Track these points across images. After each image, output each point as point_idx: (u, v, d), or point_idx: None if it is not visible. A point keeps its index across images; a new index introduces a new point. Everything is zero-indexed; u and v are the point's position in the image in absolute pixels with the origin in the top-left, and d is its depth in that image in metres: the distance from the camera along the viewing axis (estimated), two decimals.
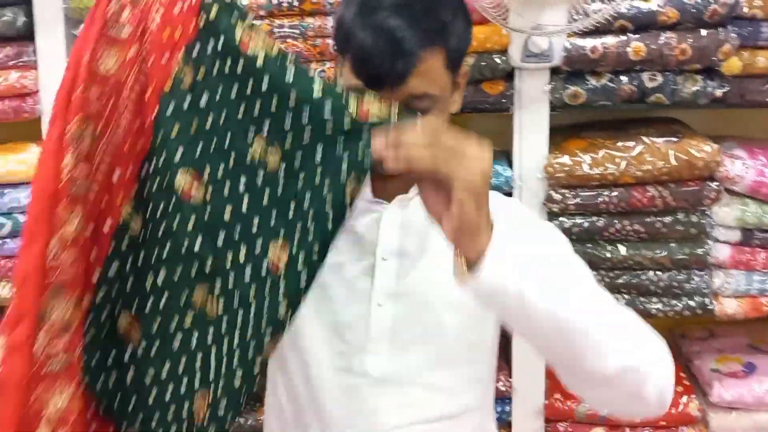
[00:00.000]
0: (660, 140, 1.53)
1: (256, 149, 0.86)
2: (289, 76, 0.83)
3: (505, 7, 1.34)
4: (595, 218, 1.54)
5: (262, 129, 0.85)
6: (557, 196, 1.53)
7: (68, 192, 0.84)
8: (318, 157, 0.84)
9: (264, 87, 0.84)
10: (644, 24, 1.48)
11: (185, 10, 0.85)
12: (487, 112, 1.57)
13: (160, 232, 0.87)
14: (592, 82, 1.52)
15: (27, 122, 1.72)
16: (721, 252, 1.55)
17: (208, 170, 0.86)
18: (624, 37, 1.48)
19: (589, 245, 1.55)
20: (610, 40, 1.48)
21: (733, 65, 1.48)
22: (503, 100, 1.54)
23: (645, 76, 1.51)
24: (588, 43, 1.49)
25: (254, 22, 0.86)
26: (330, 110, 0.82)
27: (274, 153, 0.86)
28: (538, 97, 1.54)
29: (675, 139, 1.52)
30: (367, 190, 1.05)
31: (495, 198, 1.06)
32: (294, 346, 1.06)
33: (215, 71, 0.86)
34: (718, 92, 1.50)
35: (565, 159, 1.52)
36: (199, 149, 0.86)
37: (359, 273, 1.04)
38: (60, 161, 0.84)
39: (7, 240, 1.73)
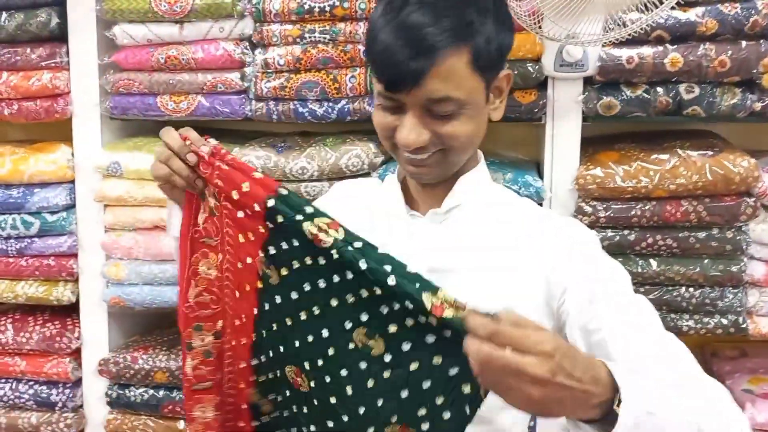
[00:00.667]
0: (695, 153, 1.49)
1: (359, 335, 0.89)
2: (364, 263, 0.85)
3: (541, 15, 1.32)
4: (626, 232, 1.51)
5: (360, 317, 0.88)
6: (588, 209, 1.50)
7: (195, 387, 1.01)
8: (427, 339, 0.83)
9: (348, 276, 0.88)
10: (682, 35, 1.44)
11: (251, 215, 0.93)
12: (519, 122, 1.55)
13: (287, 413, 0.99)
14: (627, 92, 1.49)
15: (58, 122, 1.74)
16: (757, 270, 1.51)
17: (308, 363, 0.93)
18: (661, 48, 1.45)
19: (620, 259, 1.51)
20: (647, 51, 1.45)
21: None
22: (535, 110, 1.52)
23: (682, 87, 1.47)
24: (624, 53, 1.46)
25: (313, 209, 0.91)
26: (410, 302, 0.83)
27: (377, 338, 0.88)
28: (570, 107, 1.51)
29: (711, 153, 1.49)
30: (401, 203, 1.05)
31: (568, 230, 1.02)
32: None
33: (298, 268, 0.92)
34: (758, 106, 1.46)
35: (597, 171, 1.49)
36: (297, 343, 0.93)
37: None
38: (184, 365, 1.02)
39: (35, 239, 1.75)
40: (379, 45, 0.90)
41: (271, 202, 0.91)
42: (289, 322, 0.94)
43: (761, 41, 1.42)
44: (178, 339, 1.81)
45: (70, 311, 1.82)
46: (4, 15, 1.67)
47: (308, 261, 0.91)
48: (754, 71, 1.43)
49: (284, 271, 0.93)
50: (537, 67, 1.49)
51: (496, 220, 1.03)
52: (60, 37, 1.69)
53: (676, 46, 1.45)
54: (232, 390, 1.01)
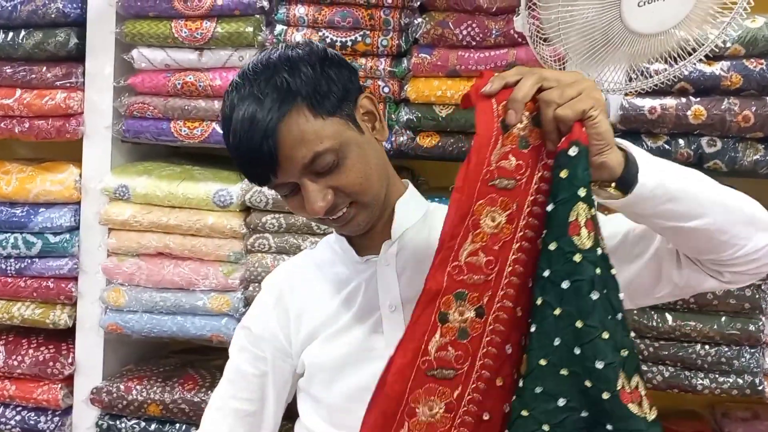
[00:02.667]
0: None
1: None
2: (595, 294, 0.77)
3: (565, 60, 1.30)
4: None
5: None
6: None
7: (430, 372, 0.82)
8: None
9: (563, 285, 0.78)
10: (706, 88, 1.43)
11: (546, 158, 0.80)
12: None
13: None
14: (648, 143, 1.47)
15: (68, 142, 1.72)
16: None
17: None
18: (684, 100, 1.44)
19: (635, 311, 1.48)
20: (670, 102, 1.44)
21: None
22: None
23: (704, 140, 1.45)
24: (646, 103, 1.44)
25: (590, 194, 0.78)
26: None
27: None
28: None
29: None
30: (352, 254, 1.05)
31: None
32: (324, 418, 1.04)
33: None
34: None
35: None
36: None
37: (368, 332, 1.02)
38: (426, 343, 0.81)
39: (36, 260, 1.71)
40: (233, 152, 0.94)
41: (573, 150, 0.77)
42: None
43: None
44: (175, 371, 1.78)
45: (65, 336, 1.77)
46: (23, 33, 1.66)
47: (552, 246, 0.78)
48: None
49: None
50: None
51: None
52: (77, 57, 1.68)
53: (699, 99, 1.43)
54: (482, 386, 0.82)
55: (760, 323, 1.45)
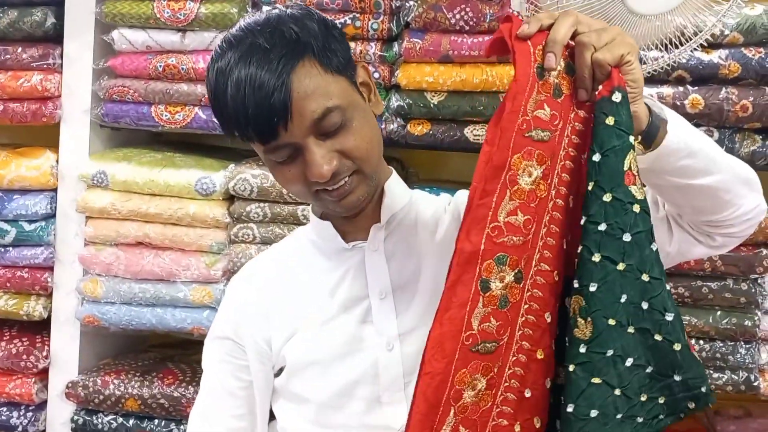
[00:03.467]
0: None
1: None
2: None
3: None
4: None
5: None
6: None
7: (475, 348, 0.76)
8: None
9: (625, 237, 0.75)
10: (703, 76, 1.40)
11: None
12: None
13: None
14: None
15: (44, 126, 1.65)
16: None
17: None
18: (681, 88, 1.41)
19: None
20: (667, 90, 1.41)
21: None
22: None
23: (701, 130, 1.42)
24: (644, 91, 1.40)
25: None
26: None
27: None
28: None
29: None
30: (337, 240, 1.00)
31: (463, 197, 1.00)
32: (308, 419, 0.97)
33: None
34: None
35: None
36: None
37: (357, 322, 0.96)
38: (469, 315, 0.75)
39: (10, 248, 1.65)
40: (232, 109, 0.85)
41: (617, 96, 0.74)
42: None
43: None
44: (154, 365, 1.72)
45: (40, 328, 1.71)
46: None
47: (589, 187, 0.74)
48: None
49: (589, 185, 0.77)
50: None
51: (431, 216, 1.01)
52: (54, 38, 1.62)
53: (697, 88, 1.40)
54: (522, 358, 0.77)
55: (756, 318, 1.43)
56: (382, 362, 0.94)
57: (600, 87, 0.76)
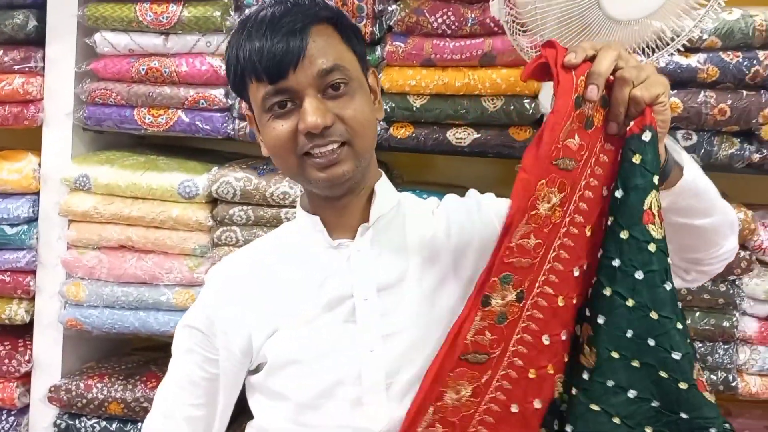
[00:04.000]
0: None
1: None
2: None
3: None
4: None
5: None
6: None
7: (464, 356, 0.79)
8: None
9: (637, 275, 0.76)
10: (682, 80, 1.41)
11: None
12: (512, 158, 1.49)
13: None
14: None
15: (26, 130, 1.65)
16: (749, 326, 1.46)
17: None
18: None
19: None
20: None
21: None
22: None
23: (680, 134, 1.44)
24: None
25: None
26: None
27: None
28: None
29: None
30: (323, 235, 1.00)
31: (475, 198, 1.08)
32: (287, 417, 0.97)
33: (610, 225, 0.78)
34: (756, 157, 1.43)
35: None
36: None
37: (340, 321, 0.96)
38: (464, 326, 0.78)
39: None
40: (249, 49, 0.91)
41: (647, 135, 0.75)
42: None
43: (762, 92, 1.40)
44: (138, 368, 1.71)
45: (22, 332, 1.70)
46: None
47: (609, 222, 0.76)
48: (754, 121, 1.40)
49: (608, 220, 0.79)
50: (534, 104, 1.45)
51: (418, 219, 1.04)
52: (36, 41, 1.61)
53: (675, 91, 1.42)
54: (513, 374, 0.79)
55: (734, 319, 1.45)
56: (364, 363, 0.93)
57: (631, 123, 0.77)
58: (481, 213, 1.04)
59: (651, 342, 0.77)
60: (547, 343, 0.79)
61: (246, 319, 1.00)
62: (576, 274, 0.79)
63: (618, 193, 0.76)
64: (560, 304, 0.79)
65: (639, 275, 0.76)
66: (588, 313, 0.79)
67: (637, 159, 0.76)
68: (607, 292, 0.77)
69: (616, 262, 0.76)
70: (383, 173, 1.06)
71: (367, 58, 1.49)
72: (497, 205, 1.05)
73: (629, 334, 0.77)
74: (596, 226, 0.79)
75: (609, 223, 0.77)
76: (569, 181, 0.77)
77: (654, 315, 0.77)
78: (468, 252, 1.00)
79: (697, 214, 0.88)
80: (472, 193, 1.11)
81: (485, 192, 1.11)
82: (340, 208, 1.00)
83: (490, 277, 0.78)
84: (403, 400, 0.92)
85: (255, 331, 0.99)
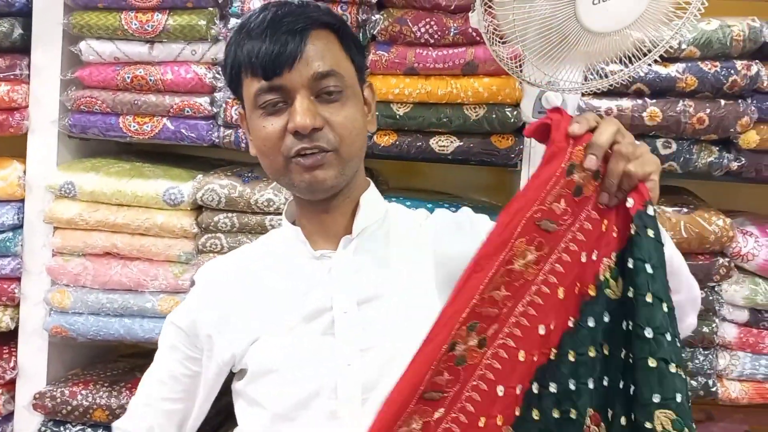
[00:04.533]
0: (670, 210, 1.47)
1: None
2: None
3: (522, 59, 1.29)
4: None
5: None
6: None
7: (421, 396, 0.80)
8: None
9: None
10: (662, 89, 1.44)
11: (621, 209, 0.80)
12: (494, 165, 1.51)
13: None
14: None
15: (11, 137, 1.65)
16: (728, 332, 1.48)
17: (612, 412, 0.80)
18: (640, 101, 1.44)
19: None
20: (626, 103, 1.44)
21: (750, 138, 1.43)
22: (512, 155, 1.48)
23: (659, 142, 1.46)
24: (603, 103, 1.44)
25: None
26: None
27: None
28: None
29: (686, 210, 1.46)
30: (305, 246, 1.01)
31: (467, 215, 1.09)
32: (264, 426, 0.98)
33: (635, 295, 0.79)
34: (734, 165, 1.45)
35: None
36: (606, 382, 0.80)
37: (318, 333, 0.96)
38: (427, 366, 0.79)
39: None
40: (247, 45, 0.92)
41: (650, 210, 0.80)
42: (605, 351, 0.81)
43: (739, 101, 1.42)
44: (123, 375, 1.71)
45: (7, 339, 1.69)
46: None
47: (648, 298, 0.78)
48: (732, 130, 1.42)
49: (629, 292, 0.80)
50: (515, 112, 1.46)
51: (405, 232, 1.04)
52: (22, 48, 1.62)
53: (655, 100, 1.44)
54: (463, 419, 0.80)
55: (713, 325, 1.46)
56: (341, 376, 0.93)
57: (622, 196, 0.81)
58: (473, 230, 1.04)
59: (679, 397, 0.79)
60: (501, 394, 0.80)
61: (229, 323, 1.01)
62: (541, 332, 0.81)
63: (648, 268, 0.79)
64: (521, 358, 0.80)
65: (678, 343, 0.79)
66: (657, 400, 0.77)
67: (651, 233, 0.79)
68: (652, 363, 0.77)
69: (668, 336, 0.78)
70: (371, 183, 1.07)
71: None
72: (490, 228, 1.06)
73: (679, 398, 0.78)
74: (569, 289, 0.81)
75: (647, 298, 0.78)
76: (548, 242, 0.80)
77: (684, 375, 0.79)
78: (453, 268, 0.98)
79: None
80: (466, 210, 1.12)
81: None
82: (325, 218, 1.01)
83: (459, 324, 0.80)
84: None
85: (237, 336, 1.00)
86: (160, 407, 1.06)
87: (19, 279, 1.65)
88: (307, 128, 0.90)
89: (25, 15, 1.60)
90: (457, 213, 1.11)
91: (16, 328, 1.66)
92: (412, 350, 0.91)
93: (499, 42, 1.25)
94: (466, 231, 1.04)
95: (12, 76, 1.61)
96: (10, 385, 1.67)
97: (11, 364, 1.66)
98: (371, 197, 1.04)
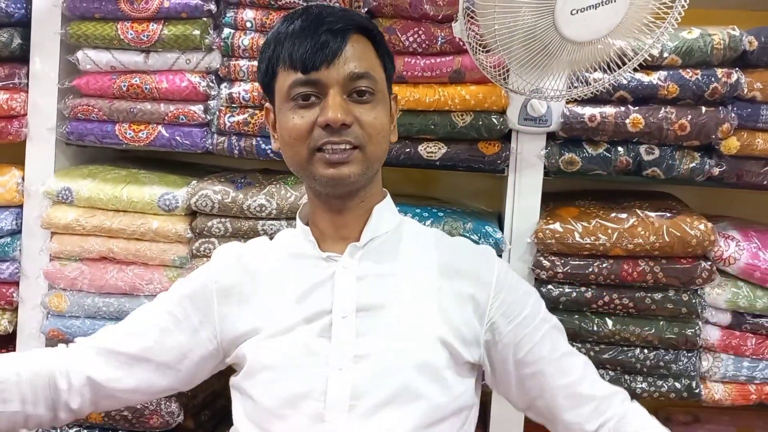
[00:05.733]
0: (654, 214, 1.50)
1: None
2: None
3: (506, 68, 1.32)
4: (583, 289, 1.49)
5: None
6: (546, 263, 1.49)
7: None
8: None
9: None
10: (644, 97, 1.47)
11: None
12: (481, 172, 1.54)
13: None
14: (589, 150, 1.50)
15: (10, 144, 1.68)
16: (711, 334, 1.50)
17: None
18: (623, 108, 1.47)
19: (576, 316, 1.50)
20: (609, 110, 1.47)
21: (731, 144, 1.46)
22: (498, 161, 1.51)
23: (642, 148, 1.49)
24: (587, 111, 1.47)
25: None
26: None
27: None
28: (533, 161, 1.51)
29: (669, 215, 1.49)
30: (312, 246, 1.03)
31: (490, 258, 1.08)
32: (253, 420, 0.99)
33: None
34: (715, 170, 1.48)
35: (557, 226, 1.49)
36: None
37: (315, 335, 0.98)
38: None
39: None
40: (290, 36, 0.95)
41: None
42: None
43: (720, 108, 1.45)
44: None
45: (6, 342, 1.73)
46: None
47: None
48: (713, 136, 1.45)
49: None
50: (502, 119, 1.49)
51: (414, 247, 1.05)
52: (21, 58, 1.66)
53: (638, 108, 1.47)
54: None
55: (697, 327, 1.49)
56: (331, 381, 0.95)
57: None
58: (491, 298, 1.03)
59: None
60: None
61: (233, 307, 1.04)
62: None
63: None
64: None
65: None
66: None
67: None
68: None
69: None
70: (387, 195, 1.08)
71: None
72: (509, 306, 1.04)
73: None
74: None
75: None
76: None
77: None
78: (453, 307, 1.01)
79: None
80: (496, 261, 1.08)
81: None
82: (337, 219, 1.02)
83: None
84: (365, 423, 0.93)
85: (240, 324, 1.03)
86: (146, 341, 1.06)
87: (17, 283, 1.68)
88: (338, 122, 0.93)
89: (23, 25, 1.64)
90: (486, 256, 1.09)
91: (14, 332, 1.70)
92: (406, 364, 0.95)
93: (482, 51, 1.29)
94: (480, 284, 1.04)
95: (11, 85, 1.65)
96: None
97: None
98: (385, 208, 1.05)
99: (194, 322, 1.05)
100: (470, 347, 1.01)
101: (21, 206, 1.68)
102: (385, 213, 1.05)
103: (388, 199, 1.08)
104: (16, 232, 1.68)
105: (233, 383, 1.05)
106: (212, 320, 1.05)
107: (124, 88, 1.59)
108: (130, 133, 1.62)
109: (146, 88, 1.58)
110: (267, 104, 1.05)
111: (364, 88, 0.95)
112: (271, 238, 1.15)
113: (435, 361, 0.96)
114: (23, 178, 1.68)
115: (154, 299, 1.11)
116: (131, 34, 1.56)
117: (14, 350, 1.70)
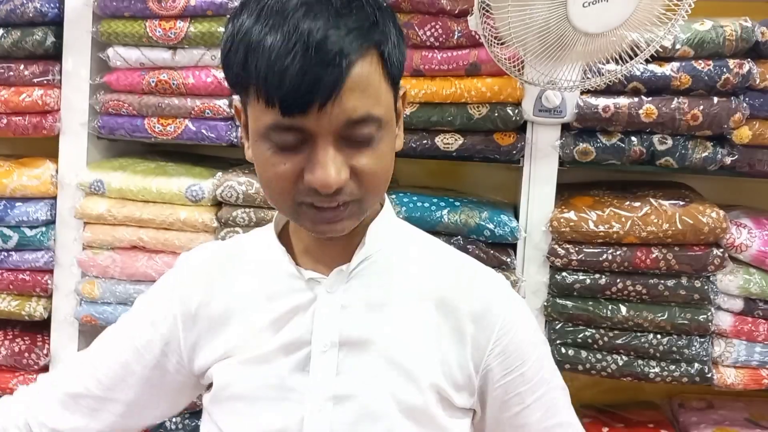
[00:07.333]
0: (667, 203, 1.53)
1: None
2: None
3: (521, 60, 1.37)
4: (597, 276, 1.53)
5: None
6: (561, 251, 1.53)
7: None
8: None
9: None
10: (657, 87, 1.50)
11: None
12: (497, 162, 1.58)
13: None
14: (603, 140, 1.54)
15: (45, 138, 1.76)
16: (723, 320, 1.53)
17: None
18: (636, 99, 1.50)
19: (590, 303, 1.54)
20: (623, 101, 1.50)
21: (743, 134, 1.49)
22: (514, 152, 1.55)
23: (655, 138, 1.52)
24: (600, 102, 1.51)
25: None
26: None
27: None
28: (548, 151, 1.55)
29: (682, 203, 1.52)
30: (292, 265, 0.86)
31: (500, 294, 0.91)
32: None
33: None
34: (728, 160, 1.51)
35: (571, 214, 1.53)
36: None
37: (291, 369, 0.84)
38: None
39: (12, 253, 1.75)
40: (266, 57, 0.68)
41: None
42: None
43: (732, 98, 1.48)
44: None
45: (41, 327, 1.81)
46: (1, 31, 1.70)
47: None
48: (725, 126, 1.48)
49: None
50: (517, 110, 1.53)
51: (413, 271, 0.89)
52: (54, 55, 1.73)
53: (651, 98, 1.50)
54: None
55: (709, 313, 1.51)
56: (307, 422, 0.83)
57: None
58: (491, 342, 0.87)
59: None
60: None
61: (203, 322, 0.90)
62: None
63: None
64: None
65: None
66: None
67: None
68: None
69: None
70: (386, 205, 0.91)
71: None
72: (509, 357, 0.87)
73: None
74: None
75: None
76: None
77: None
78: (451, 348, 0.86)
79: None
80: (507, 299, 0.90)
81: None
82: (325, 241, 0.86)
83: None
84: None
85: (207, 344, 0.90)
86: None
87: (51, 271, 1.76)
88: (331, 188, 0.73)
89: (57, 24, 1.71)
90: (499, 288, 0.92)
91: (49, 318, 1.77)
92: (391, 409, 0.82)
93: (497, 44, 1.33)
94: (511, 372, 0.88)
95: (45, 82, 1.72)
96: (44, 370, 1.77)
97: (44, 351, 1.77)
98: (381, 226, 0.88)
99: (156, 352, 0.92)
100: (462, 393, 0.87)
101: (55, 198, 1.75)
102: (381, 230, 0.88)
103: (386, 209, 0.90)
104: (50, 223, 1.76)
105: (204, 403, 0.93)
106: (177, 348, 0.91)
107: (153, 84, 1.66)
108: (158, 127, 1.68)
109: (174, 84, 1.65)
110: (237, 103, 0.82)
111: (365, 135, 0.73)
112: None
113: (425, 406, 0.84)
114: (57, 171, 1.75)
115: (117, 320, 1.00)
116: (159, 32, 1.63)
117: (49, 336, 1.77)
